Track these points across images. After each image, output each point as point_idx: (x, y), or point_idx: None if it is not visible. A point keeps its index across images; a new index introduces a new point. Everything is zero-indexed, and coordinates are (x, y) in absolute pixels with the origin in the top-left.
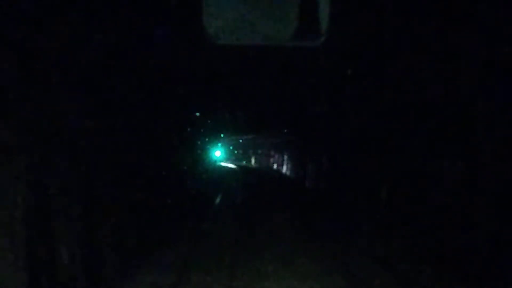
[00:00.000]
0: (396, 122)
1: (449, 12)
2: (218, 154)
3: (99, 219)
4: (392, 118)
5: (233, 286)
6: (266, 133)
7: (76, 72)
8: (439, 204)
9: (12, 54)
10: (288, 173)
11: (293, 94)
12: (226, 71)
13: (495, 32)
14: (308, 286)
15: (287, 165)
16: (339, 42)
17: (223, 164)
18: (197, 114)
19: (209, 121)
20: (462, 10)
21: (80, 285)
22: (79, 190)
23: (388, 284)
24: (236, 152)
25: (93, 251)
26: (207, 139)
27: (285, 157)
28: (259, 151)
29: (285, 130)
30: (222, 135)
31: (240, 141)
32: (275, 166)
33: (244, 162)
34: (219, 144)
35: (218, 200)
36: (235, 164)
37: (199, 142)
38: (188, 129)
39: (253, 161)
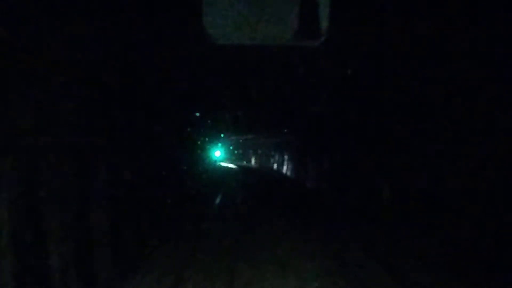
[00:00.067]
0: (398, 121)
1: (449, 12)
2: (218, 154)
3: (95, 220)
4: (393, 117)
5: (234, 287)
6: (266, 133)
7: (74, 70)
8: (442, 203)
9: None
10: (288, 173)
11: (293, 94)
12: (226, 71)
13: (495, 32)
14: (309, 287)
15: (287, 165)
16: (339, 42)
17: (223, 164)
18: (197, 114)
19: (209, 121)
20: (463, 9)
21: None
22: (73, 191)
23: (389, 285)
24: (236, 152)
25: (88, 254)
26: (207, 139)
27: (285, 157)
28: (259, 151)
29: (285, 130)
30: (222, 135)
31: (240, 141)
32: (275, 166)
33: (244, 162)
34: (219, 144)
35: (218, 200)
36: (235, 164)
37: (199, 142)
38: (188, 129)
39: (253, 161)
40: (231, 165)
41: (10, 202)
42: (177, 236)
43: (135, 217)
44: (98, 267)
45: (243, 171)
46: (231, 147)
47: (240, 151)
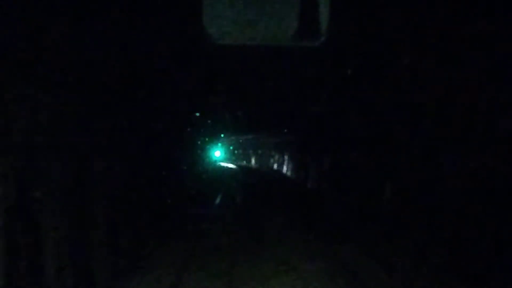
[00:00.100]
0: (398, 121)
1: (449, 12)
2: (218, 154)
3: (92, 220)
4: (393, 117)
5: (233, 287)
6: (266, 133)
7: (73, 71)
8: (443, 204)
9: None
10: (288, 173)
11: (293, 94)
12: (226, 71)
13: (495, 32)
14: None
15: (287, 165)
16: (339, 42)
17: (223, 164)
18: (197, 114)
19: (209, 121)
20: (462, 10)
21: None
22: (70, 191)
23: (390, 286)
24: (236, 152)
25: (85, 254)
26: (207, 139)
27: (286, 157)
28: (259, 151)
29: (285, 130)
30: (222, 135)
31: (240, 141)
32: (275, 166)
33: (244, 162)
34: (219, 144)
35: (218, 200)
36: (235, 164)
37: (199, 142)
38: (188, 129)
39: (253, 161)
40: (231, 165)
41: (5, 200)
42: (177, 235)
43: (135, 217)
44: (95, 267)
45: (243, 171)
46: (231, 147)
47: (240, 151)
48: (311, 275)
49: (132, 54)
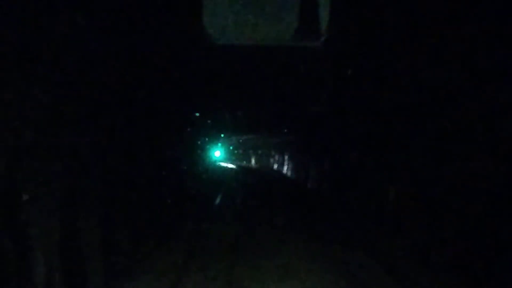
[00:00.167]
0: (398, 121)
1: (449, 12)
2: (218, 154)
3: (85, 222)
4: (393, 117)
5: None
6: (266, 133)
7: (74, 71)
8: (445, 204)
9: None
10: (289, 173)
11: (293, 94)
12: (226, 71)
13: (495, 31)
14: None
15: (288, 165)
16: (339, 42)
17: (223, 164)
18: (197, 114)
19: (209, 121)
20: (462, 10)
21: None
22: (61, 192)
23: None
24: (236, 152)
25: (78, 259)
26: (207, 139)
27: (286, 157)
28: (259, 151)
29: (285, 130)
30: (222, 135)
31: (240, 141)
32: (275, 166)
33: (244, 162)
34: (219, 144)
35: (218, 200)
36: (235, 164)
37: (199, 142)
38: (188, 129)
39: (253, 161)
40: (231, 165)
41: None
42: (177, 236)
43: (134, 217)
44: (89, 270)
45: (243, 171)
46: (231, 147)
47: (240, 151)
48: (313, 279)
49: (132, 54)
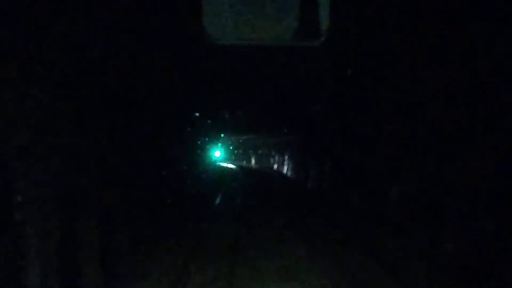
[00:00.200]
0: (398, 121)
1: (449, 12)
2: (217, 154)
3: (82, 224)
4: (393, 117)
5: None
6: (266, 133)
7: (73, 71)
8: (449, 205)
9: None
10: (289, 173)
11: (293, 94)
12: (226, 71)
13: (495, 31)
14: None
15: (288, 165)
16: (339, 42)
17: (223, 164)
18: (197, 114)
19: (209, 121)
20: (462, 9)
21: None
22: (57, 192)
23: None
24: (236, 152)
25: (75, 260)
26: (207, 139)
27: (286, 157)
28: (259, 151)
29: (285, 130)
30: (222, 135)
31: (240, 141)
32: (275, 166)
33: (244, 162)
34: (219, 144)
35: (218, 200)
36: (235, 165)
37: (199, 142)
38: (188, 129)
39: (253, 161)
40: (231, 166)
41: None
42: (177, 236)
43: (132, 218)
44: (86, 272)
45: (243, 172)
46: (231, 147)
47: (240, 151)
48: (312, 276)
49: (132, 54)
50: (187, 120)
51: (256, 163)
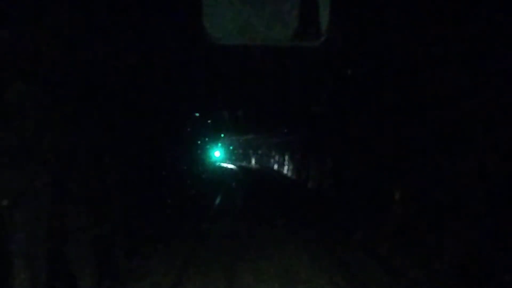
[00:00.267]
0: (398, 121)
1: (449, 12)
2: (217, 154)
3: (73, 228)
4: (393, 117)
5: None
6: (266, 133)
7: (73, 71)
8: (449, 205)
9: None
10: (289, 173)
11: (294, 94)
12: (226, 71)
13: (495, 31)
14: None
15: (288, 165)
16: (339, 42)
17: (223, 164)
18: (197, 114)
19: (209, 121)
20: (462, 10)
21: None
22: (48, 194)
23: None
24: (236, 152)
25: (67, 263)
26: (207, 139)
27: (286, 157)
28: (260, 151)
29: (285, 130)
30: (222, 135)
31: (240, 141)
32: (275, 166)
33: (244, 162)
34: (219, 144)
35: (218, 200)
36: (235, 165)
37: (199, 142)
38: (188, 129)
39: (253, 161)
40: (231, 166)
41: None
42: (177, 236)
43: (131, 218)
44: (81, 273)
45: (243, 172)
46: (231, 147)
47: (240, 151)
48: (312, 276)
49: (132, 54)
50: (187, 120)
51: (256, 163)
